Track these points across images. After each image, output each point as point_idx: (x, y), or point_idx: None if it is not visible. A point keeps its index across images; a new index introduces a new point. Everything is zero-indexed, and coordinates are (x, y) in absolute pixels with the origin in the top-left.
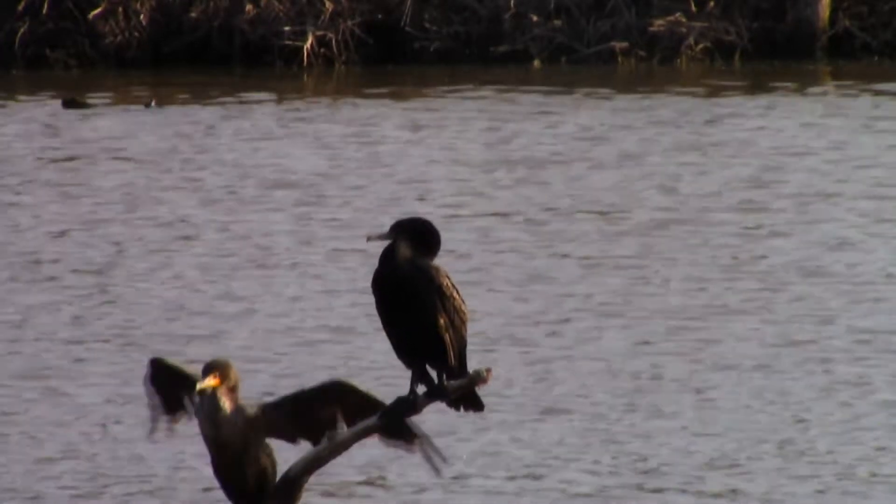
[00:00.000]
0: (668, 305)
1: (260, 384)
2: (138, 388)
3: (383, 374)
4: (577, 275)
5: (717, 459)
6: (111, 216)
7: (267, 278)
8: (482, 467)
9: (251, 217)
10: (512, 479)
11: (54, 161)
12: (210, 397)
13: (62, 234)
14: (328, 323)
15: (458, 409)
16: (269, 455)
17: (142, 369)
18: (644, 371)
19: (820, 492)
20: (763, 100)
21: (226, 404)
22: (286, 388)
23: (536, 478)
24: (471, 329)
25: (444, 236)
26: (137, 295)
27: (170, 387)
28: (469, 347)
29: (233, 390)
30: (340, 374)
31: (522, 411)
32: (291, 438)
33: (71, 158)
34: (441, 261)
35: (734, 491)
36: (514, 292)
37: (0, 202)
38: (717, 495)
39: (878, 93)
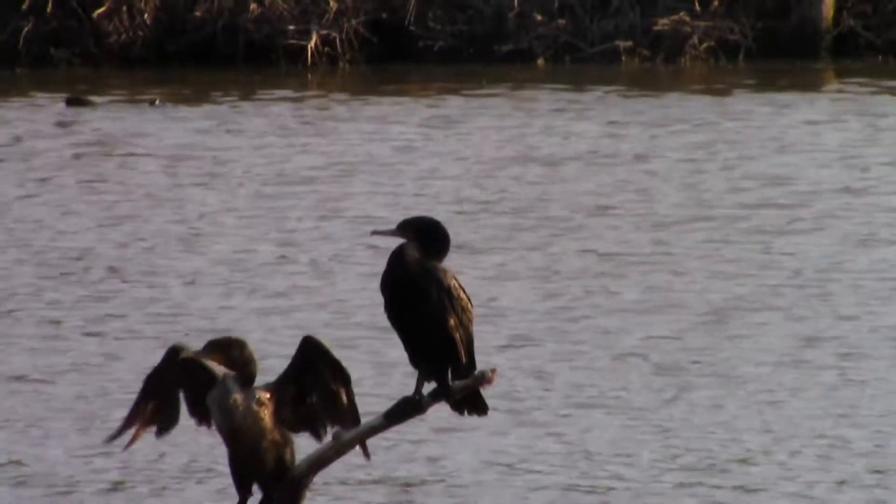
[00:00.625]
0: (695, 301)
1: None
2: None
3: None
4: (597, 270)
5: (754, 453)
6: (128, 212)
7: (289, 273)
8: (521, 461)
9: (270, 213)
10: (552, 472)
11: (63, 159)
12: (220, 384)
13: (83, 230)
14: (355, 320)
15: (461, 412)
16: (286, 436)
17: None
18: (676, 365)
19: (857, 486)
20: (769, 99)
21: (236, 390)
22: None
23: (574, 473)
24: (502, 325)
25: (468, 233)
26: (161, 291)
27: (176, 383)
28: (503, 343)
29: (244, 370)
30: (365, 368)
31: (557, 406)
32: (300, 421)
33: (79, 156)
34: (459, 257)
35: (771, 484)
36: (537, 288)
37: (15, 199)
38: (757, 488)
39: (884, 91)
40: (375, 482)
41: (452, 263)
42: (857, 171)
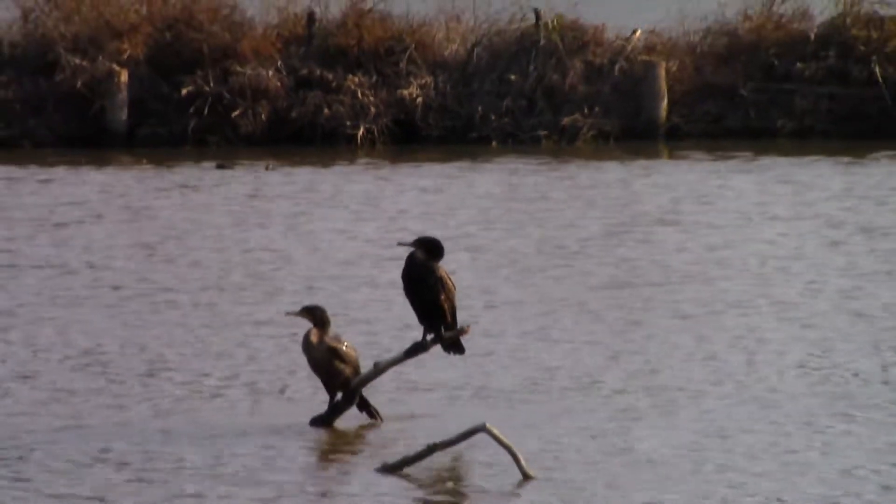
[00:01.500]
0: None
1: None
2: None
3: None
4: (542, 262)
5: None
6: (263, 229)
7: (359, 268)
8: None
9: (349, 230)
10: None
11: (217, 198)
12: (305, 334)
13: (234, 242)
14: (392, 293)
15: (448, 351)
16: (347, 365)
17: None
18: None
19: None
20: (630, 166)
21: (314, 338)
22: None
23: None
24: (511, 304)
25: (465, 239)
26: (285, 277)
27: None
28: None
29: (321, 328)
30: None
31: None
32: (349, 361)
33: (226, 198)
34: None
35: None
36: (507, 276)
37: (191, 222)
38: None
39: (699, 159)
40: (411, 388)
41: (451, 258)
42: (698, 202)
